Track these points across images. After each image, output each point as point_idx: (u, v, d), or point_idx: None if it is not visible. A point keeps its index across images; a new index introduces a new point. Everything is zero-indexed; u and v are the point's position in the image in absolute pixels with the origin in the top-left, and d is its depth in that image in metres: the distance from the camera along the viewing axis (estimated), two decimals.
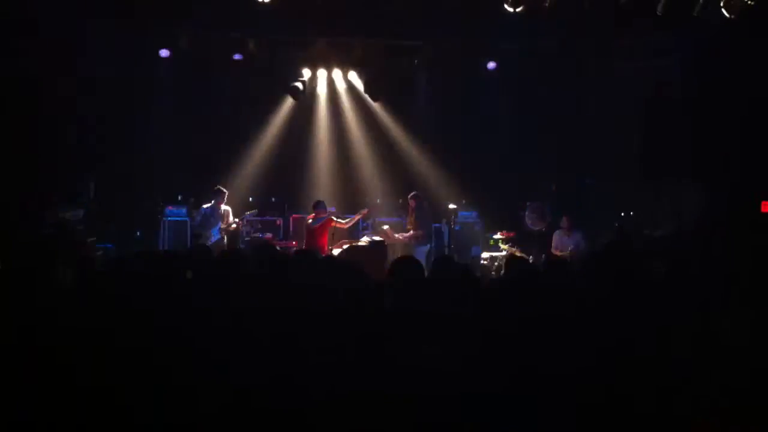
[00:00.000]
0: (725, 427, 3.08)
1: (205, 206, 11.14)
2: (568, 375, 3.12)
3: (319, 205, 11.08)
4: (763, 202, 10.29)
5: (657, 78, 12.00)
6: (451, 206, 11.75)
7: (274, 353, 3.27)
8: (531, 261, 9.74)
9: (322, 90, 13.65)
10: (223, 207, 11.08)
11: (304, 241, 11.18)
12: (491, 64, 13.08)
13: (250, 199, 12.63)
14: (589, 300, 3.94)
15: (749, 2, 9.54)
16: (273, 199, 13.25)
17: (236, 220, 11.19)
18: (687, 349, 3.41)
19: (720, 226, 9.83)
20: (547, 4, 10.20)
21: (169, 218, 12.05)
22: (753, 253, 6.92)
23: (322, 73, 13.12)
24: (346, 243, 11.22)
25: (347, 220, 11.19)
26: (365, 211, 11.40)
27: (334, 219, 11.01)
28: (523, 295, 3.75)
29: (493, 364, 3.15)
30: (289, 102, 13.24)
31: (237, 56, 12.38)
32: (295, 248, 11.22)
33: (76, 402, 3.02)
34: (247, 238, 11.37)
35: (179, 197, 12.49)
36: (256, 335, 3.41)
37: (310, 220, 11.06)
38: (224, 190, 11.14)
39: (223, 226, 10.98)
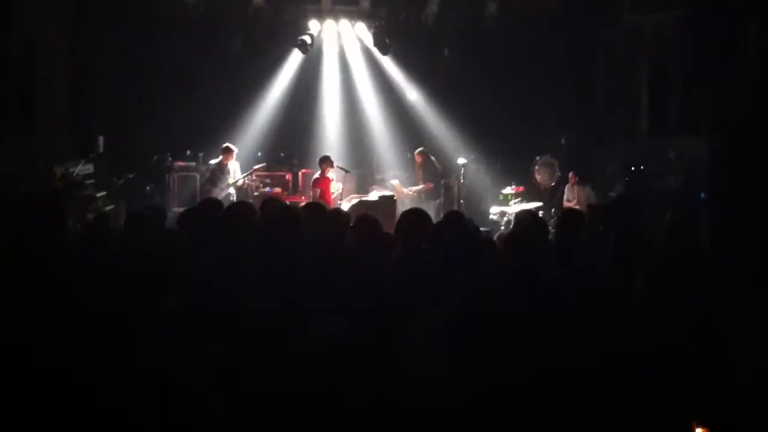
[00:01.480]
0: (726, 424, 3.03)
1: (213, 162, 11.14)
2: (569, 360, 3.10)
3: (325, 161, 11.02)
4: None
5: (663, 32, 11.80)
6: (461, 160, 11.68)
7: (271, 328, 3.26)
8: (541, 216, 9.70)
9: (329, 43, 13.51)
10: (232, 163, 11.03)
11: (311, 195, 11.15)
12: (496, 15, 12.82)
13: (259, 153, 12.61)
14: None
15: None
16: (282, 154, 13.23)
17: (244, 175, 11.15)
18: (692, 336, 3.35)
19: (726, 182, 9.73)
20: None
21: (178, 173, 12.08)
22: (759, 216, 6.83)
23: (330, 26, 12.93)
24: (355, 198, 11.20)
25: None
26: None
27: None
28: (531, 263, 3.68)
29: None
30: (297, 56, 13.10)
31: None
32: (303, 203, 11.20)
33: (85, 360, 3.05)
34: (255, 193, 11.33)
35: (188, 152, 12.49)
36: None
37: (317, 176, 11.03)
38: (233, 147, 11.05)
39: (230, 181, 10.95)
